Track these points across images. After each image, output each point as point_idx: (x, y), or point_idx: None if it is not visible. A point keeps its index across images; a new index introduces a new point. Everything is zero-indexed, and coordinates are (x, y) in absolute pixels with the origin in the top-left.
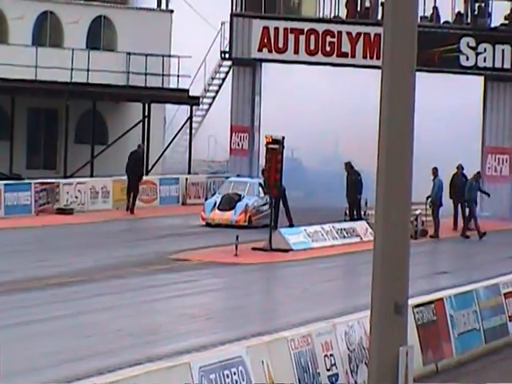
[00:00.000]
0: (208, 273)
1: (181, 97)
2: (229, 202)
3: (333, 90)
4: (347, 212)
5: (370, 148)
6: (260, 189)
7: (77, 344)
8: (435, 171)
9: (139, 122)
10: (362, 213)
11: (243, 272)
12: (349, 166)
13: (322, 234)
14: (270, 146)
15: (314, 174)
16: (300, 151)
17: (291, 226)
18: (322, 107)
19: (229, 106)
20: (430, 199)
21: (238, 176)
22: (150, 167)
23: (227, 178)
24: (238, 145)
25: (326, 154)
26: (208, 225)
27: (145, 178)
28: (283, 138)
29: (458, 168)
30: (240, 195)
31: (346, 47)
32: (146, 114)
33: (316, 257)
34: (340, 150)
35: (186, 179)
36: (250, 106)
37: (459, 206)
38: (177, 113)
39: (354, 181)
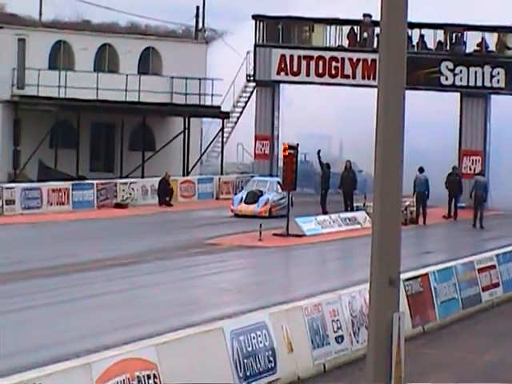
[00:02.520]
0: (236, 254)
1: (214, 112)
2: (253, 197)
3: (338, 106)
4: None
5: (369, 151)
6: (278, 186)
7: (131, 314)
8: (421, 169)
9: (180, 133)
10: (362, 204)
11: (265, 253)
12: (349, 164)
13: (330, 222)
14: (287, 151)
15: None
16: (311, 155)
17: (325, 212)
18: (330, 119)
19: (253, 119)
20: (416, 193)
21: (261, 176)
22: (190, 169)
23: (252, 177)
24: (261, 150)
25: (332, 157)
26: (236, 215)
27: (185, 178)
28: (297, 144)
29: (453, 169)
30: (262, 191)
31: (348, 70)
32: (186, 126)
33: (325, 241)
34: (344, 154)
35: (219, 179)
36: (270, 119)
37: (453, 198)
38: (211, 125)
39: (350, 177)
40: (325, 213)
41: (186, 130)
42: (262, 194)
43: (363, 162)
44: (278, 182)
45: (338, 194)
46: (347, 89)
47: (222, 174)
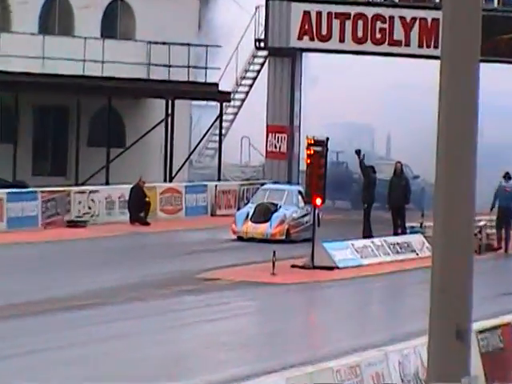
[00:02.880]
0: (241, 294)
1: (209, 92)
2: (264, 213)
3: (384, 85)
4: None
5: (427, 149)
6: (300, 197)
7: (93, 375)
8: (507, 176)
9: (161, 122)
10: (418, 224)
11: (281, 293)
12: (399, 168)
13: (372, 250)
14: (312, 148)
15: (361, 180)
16: (346, 154)
17: (369, 236)
18: (373, 104)
19: (265, 102)
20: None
21: (275, 183)
22: (174, 173)
23: (262, 185)
24: (275, 147)
25: (375, 158)
26: (240, 239)
27: (167, 185)
28: (327, 139)
29: None
30: (277, 205)
31: (398, 34)
32: (170, 111)
33: (365, 275)
34: (392, 153)
35: (216, 186)
36: (288, 103)
37: None
38: (205, 111)
39: (401, 186)
40: (367, 236)
41: (169, 118)
42: (276, 208)
43: (420, 165)
44: (300, 192)
45: (385, 209)
46: (397, 61)
47: (219, 179)
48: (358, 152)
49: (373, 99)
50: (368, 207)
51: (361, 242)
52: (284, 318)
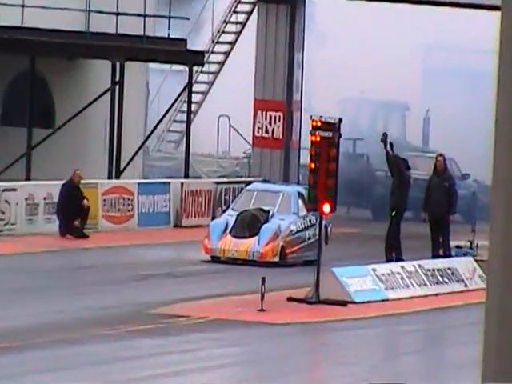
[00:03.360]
0: (215, 338)
1: (174, 52)
2: (249, 224)
3: (422, 46)
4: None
5: (480, 139)
6: (300, 203)
7: None
8: None
9: (105, 93)
10: (467, 243)
11: (272, 338)
12: (441, 164)
13: (402, 278)
14: (319, 133)
15: (388, 179)
16: (367, 143)
17: (397, 259)
18: (405, 74)
19: (252, 67)
20: None
21: (265, 182)
22: (123, 166)
23: (248, 184)
24: (266, 131)
25: (407, 149)
26: (215, 260)
27: (115, 182)
28: (340, 121)
29: None
30: (268, 212)
31: None
32: (118, 79)
33: (391, 314)
34: (431, 143)
35: (182, 186)
36: (286, 69)
37: None
38: (167, 79)
39: (444, 189)
40: (395, 259)
41: (117, 87)
42: (267, 218)
43: (470, 161)
44: (301, 196)
45: (421, 221)
46: (437, 11)
47: (187, 176)
48: (384, 138)
49: (405, 67)
50: (397, 216)
51: (386, 268)
52: (276, 373)
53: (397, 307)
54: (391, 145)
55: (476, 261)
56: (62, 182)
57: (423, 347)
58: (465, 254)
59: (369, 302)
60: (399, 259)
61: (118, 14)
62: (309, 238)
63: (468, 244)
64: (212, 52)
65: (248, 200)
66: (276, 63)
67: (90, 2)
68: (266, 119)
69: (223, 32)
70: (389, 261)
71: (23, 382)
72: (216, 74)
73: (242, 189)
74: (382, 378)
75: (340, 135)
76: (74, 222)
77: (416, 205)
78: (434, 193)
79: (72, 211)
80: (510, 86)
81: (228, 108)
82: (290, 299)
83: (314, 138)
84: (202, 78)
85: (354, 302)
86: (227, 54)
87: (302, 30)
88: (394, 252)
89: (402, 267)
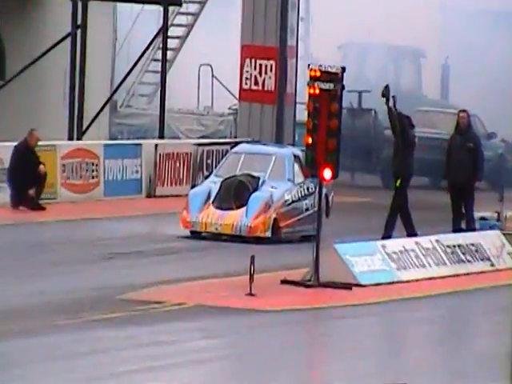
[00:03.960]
0: (197, 328)
1: None
2: (236, 193)
3: None
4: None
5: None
6: (296, 167)
7: None
8: None
9: (65, 38)
10: (494, 214)
11: (264, 326)
12: (464, 121)
13: (417, 256)
14: (319, 84)
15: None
16: (375, 96)
17: (411, 234)
18: (420, 15)
19: (238, 6)
20: None
21: (255, 143)
22: (86, 125)
23: (234, 145)
24: (256, 82)
25: (422, 104)
26: (196, 235)
27: (77, 144)
28: (343, 69)
29: None
30: (258, 179)
31: None
32: (80, 22)
33: (404, 299)
34: (451, 97)
35: (156, 148)
36: (278, 8)
37: None
38: (138, 20)
39: (467, 151)
40: (407, 234)
41: (79, 32)
42: (257, 185)
43: (497, 117)
44: (297, 159)
45: (441, 188)
46: None
47: (162, 136)
48: (386, 92)
49: (420, 4)
50: (402, 184)
51: (398, 244)
52: (267, 368)
53: (410, 290)
54: (394, 99)
55: (504, 235)
56: (15, 144)
57: (441, 338)
58: (491, 227)
59: (377, 284)
60: (411, 234)
61: None
62: (306, 210)
63: (495, 215)
64: None
65: (234, 164)
66: (267, 2)
67: None
68: (255, 68)
69: None
70: (386, 237)
71: None
72: (196, 15)
73: (227, 151)
74: (389, 375)
75: (343, 87)
76: (29, 192)
77: (434, 169)
78: (455, 155)
79: (26, 178)
80: None
81: (210, 56)
82: (284, 282)
83: (312, 91)
84: (180, 20)
85: (360, 285)
86: None
87: None
88: (405, 227)
89: (417, 243)
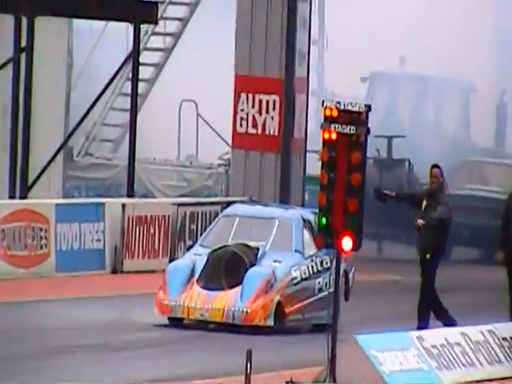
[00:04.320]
0: None
1: (111, 2)
2: (228, 269)
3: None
4: None
5: None
6: (307, 235)
7: None
8: None
9: (6, 64)
10: None
11: None
12: None
13: (464, 351)
14: (336, 127)
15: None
16: (410, 143)
17: (448, 324)
18: (466, 40)
19: (231, 27)
20: None
21: (253, 202)
22: (31, 179)
23: (226, 206)
24: (255, 124)
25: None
26: (175, 323)
27: (21, 203)
28: (368, 108)
29: None
30: (256, 250)
31: None
32: (27, 42)
33: None
34: (509, 144)
35: (123, 208)
36: (283, 30)
37: None
38: (102, 42)
39: None
40: (447, 323)
41: (24, 57)
42: (255, 259)
43: None
44: (307, 224)
45: (495, 263)
46: None
47: (131, 194)
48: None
49: (468, 26)
50: (432, 260)
51: (439, 335)
52: None
53: None
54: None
55: None
56: None
57: None
58: None
59: None
60: (450, 323)
61: None
62: (320, 290)
63: None
64: (170, 2)
65: (226, 231)
66: (269, 20)
67: None
68: (253, 106)
69: None
70: (421, 328)
71: None
72: (176, 36)
73: (216, 214)
74: None
75: (368, 131)
76: None
77: (487, 238)
78: None
79: None
80: None
81: (195, 89)
82: None
83: (327, 136)
84: (156, 42)
85: None
86: (193, 5)
87: None
88: (436, 315)
89: (464, 335)
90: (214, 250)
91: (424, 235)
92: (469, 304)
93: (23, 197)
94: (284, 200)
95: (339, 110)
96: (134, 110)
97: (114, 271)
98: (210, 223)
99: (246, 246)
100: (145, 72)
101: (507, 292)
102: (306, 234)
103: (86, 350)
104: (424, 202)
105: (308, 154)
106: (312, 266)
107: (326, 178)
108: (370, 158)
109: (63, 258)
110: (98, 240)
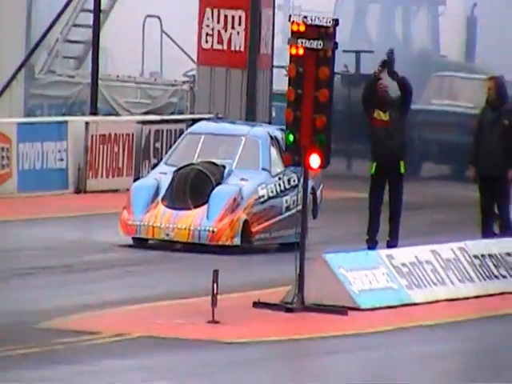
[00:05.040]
0: (142, 367)
1: None
2: (194, 188)
3: None
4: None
5: None
6: (274, 152)
7: None
8: None
9: None
10: None
11: (230, 365)
12: (496, 90)
13: (434, 269)
14: (303, 42)
15: (412, 113)
16: (378, 58)
17: (391, 245)
18: None
19: None
20: None
21: (218, 119)
22: None
23: (191, 123)
24: (220, 40)
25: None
26: (140, 243)
27: None
28: (336, 22)
29: None
30: (222, 168)
31: None
32: None
33: (415, 326)
34: (480, 55)
35: (86, 126)
36: None
37: None
38: None
39: (502, 130)
40: (388, 245)
41: None
42: (221, 177)
43: None
44: (274, 141)
45: (467, 179)
46: None
47: (94, 111)
48: (386, 60)
49: None
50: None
51: (408, 253)
52: None
53: (425, 316)
54: (390, 59)
55: None
56: None
57: (465, 380)
58: None
59: (381, 307)
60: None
61: None
62: (287, 209)
63: None
64: None
65: (191, 149)
66: None
67: None
68: (218, 21)
69: None
70: (391, 246)
71: None
72: None
73: (181, 131)
74: None
75: (336, 45)
76: None
77: (457, 155)
78: (486, 136)
79: None
80: None
81: (159, 4)
82: (257, 304)
83: (294, 51)
84: None
85: (359, 309)
86: None
87: None
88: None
89: (434, 252)
90: (180, 169)
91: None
92: (440, 221)
93: None
94: (250, 117)
95: (306, 25)
96: (96, 27)
97: (78, 191)
98: (175, 141)
99: (212, 163)
100: None
101: (478, 209)
102: (273, 151)
103: (49, 271)
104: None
105: (275, 70)
106: (279, 184)
107: (293, 95)
108: (338, 74)
109: (25, 178)
110: (61, 159)
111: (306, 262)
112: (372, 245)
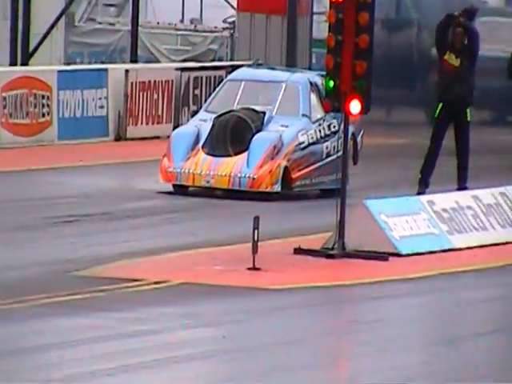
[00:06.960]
0: (183, 313)
1: None
2: (234, 135)
3: None
4: None
5: None
6: (315, 98)
7: None
8: None
9: None
10: None
11: (271, 311)
12: None
13: (476, 215)
14: None
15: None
16: (421, 3)
17: (461, 188)
18: None
19: None
20: None
21: (258, 66)
22: (33, 46)
23: (231, 70)
24: None
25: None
26: (180, 190)
27: (22, 70)
28: None
29: None
30: (262, 115)
31: None
32: None
33: (457, 272)
34: None
35: (126, 74)
36: None
37: None
38: None
39: None
40: (461, 187)
41: None
42: (261, 124)
43: None
44: (314, 87)
45: (508, 125)
46: None
47: (134, 58)
48: (472, 10)
49: None
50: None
51: (450, 199)
52: (273, 369)
53: (466, 261)
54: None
55: None
56: None
57: (503, 327)
58: None
59: (422, 253)
60: (463, 187)
61: None
62: (327, 155)
63: None
64: None
65: (231, 96)
66: None
67: None
68: None
69: None
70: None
71: None
72: None
73: (221, 78)
74: (437, 375)
75: None
76: None
77: (498, 100)
78: None
79: None
80: None
81: None
82: (298, 251)
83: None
84: None
85: (400, 255)
86: None
87: None
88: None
89: (476, 198)
90: (220, 116)
91: None
92: (481, 167)
93: (24, 64)
94: (290, 63)
95: None
96: None
97: (118, 138)
98: (215, 88)
99: (252, 110)
100: None
101: None
102: (313, 97)
103: (89, 219)
104: None
105: (315, 16)
106: (319, 131)
107: (333, 41)
108: (379, 20)
109: (65, 126)
110: (101, 107)
111: (346, 208)
112: (422, 189)
